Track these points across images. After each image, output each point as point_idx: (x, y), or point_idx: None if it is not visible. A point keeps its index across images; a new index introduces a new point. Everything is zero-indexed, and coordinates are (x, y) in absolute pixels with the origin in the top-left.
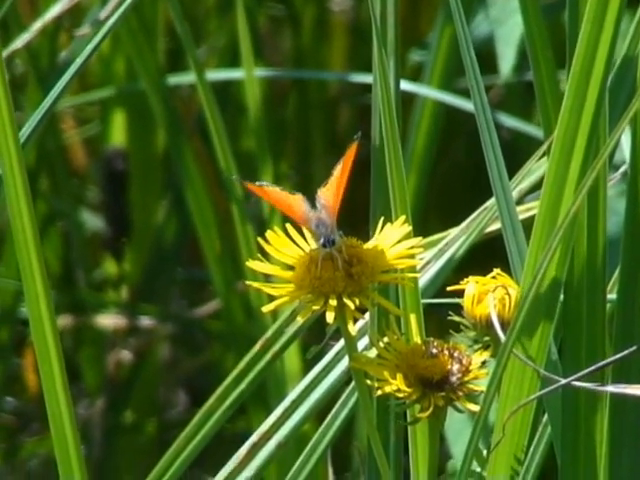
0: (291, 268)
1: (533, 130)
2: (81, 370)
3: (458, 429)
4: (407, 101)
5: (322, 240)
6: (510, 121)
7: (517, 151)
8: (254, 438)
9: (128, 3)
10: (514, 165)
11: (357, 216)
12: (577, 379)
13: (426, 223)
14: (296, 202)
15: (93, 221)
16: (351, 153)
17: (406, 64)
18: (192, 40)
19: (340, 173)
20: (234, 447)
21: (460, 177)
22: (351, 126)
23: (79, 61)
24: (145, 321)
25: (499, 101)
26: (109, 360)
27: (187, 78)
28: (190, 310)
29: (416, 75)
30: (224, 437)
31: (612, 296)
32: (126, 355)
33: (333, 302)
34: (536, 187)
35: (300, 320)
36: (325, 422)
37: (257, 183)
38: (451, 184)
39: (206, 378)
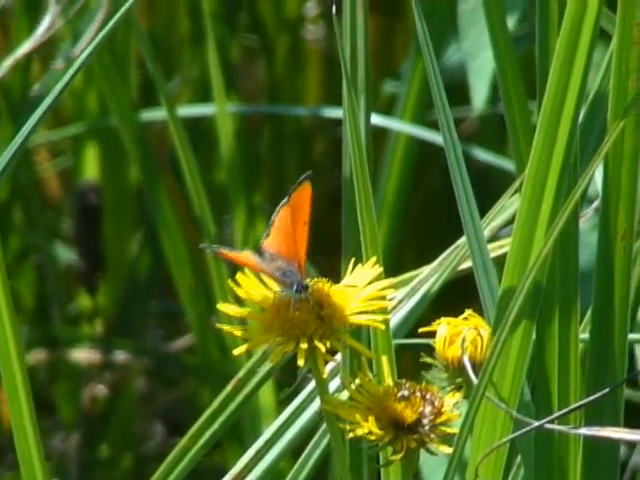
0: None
1: (506, 164)
2: (56, 404)
3: (433, 465)
4: (380, 133)
5: (295, 287)
6: (483, 155)
7: (491, 183)
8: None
9: (101, 38)
10: (489, 198)
11: (330, 245)
12: (550, 421)
13: (401, 255)
14: (247, 257)
15: (67, 255)
16: (305, 197)
17: (379, 95)
18: (163, 76)
19: (299, 221)
20: None
21: (436, 207)
22: (326, 157)
23: (51, 97)
24: (120, 355)
25: (473, 132)
26: (84, 394)
27: (160, 113)
28: (165, 343)
29: (390, 106)
30: (200, 471)
31: (585, 335)
32: (101, 389)
33: (304, 345)
34: (509, 222)
35: (271, 363)
36: (300, 460)
37: (208, 248)
38: (427, 215)
39: (182, 411)
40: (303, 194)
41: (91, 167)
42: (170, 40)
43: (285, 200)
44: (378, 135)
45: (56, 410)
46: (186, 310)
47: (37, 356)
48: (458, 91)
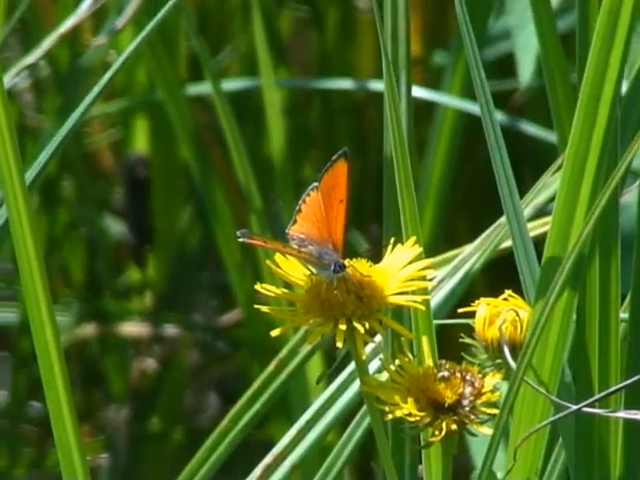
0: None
1: (554, 137)
2: (107, 378)
3: (482, 440)
4: (430, 104)
5: (332, 267)
6: (531, 129)
7: (541, 156)
8: (270, 457)
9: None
10: (540, 171)
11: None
12: (589, 405)
13: (454, 228)
14: (276, 245)
15: (117, 227)
16: (340, 174)
17: (430, 66)
18: (210, 50)
19: (334, 201)
20: (259, 455)
21: (486, 179)
22: (378, 130)
23: (107, 76)
24: (169, 329)
25: (523, 105)
26: (134, 368)
27: (206, 87)
28: (215, 317)
29: (441, 77)
30: (250, 445)
31: (625, 315)
32: (151, 363)
33: (342, 326)
34: (552, 199)
35: (309, 345)
36: (344, 436)
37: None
38: (478, 187)
39: (234, 384)
40: (338, 172)
41: (141, 140)
42: (221, 12)
43: (314, 185)
44: (428, 107)
45: (107, 384)
46: (234, 285)
47: (87, 330)
48: (509, 63)
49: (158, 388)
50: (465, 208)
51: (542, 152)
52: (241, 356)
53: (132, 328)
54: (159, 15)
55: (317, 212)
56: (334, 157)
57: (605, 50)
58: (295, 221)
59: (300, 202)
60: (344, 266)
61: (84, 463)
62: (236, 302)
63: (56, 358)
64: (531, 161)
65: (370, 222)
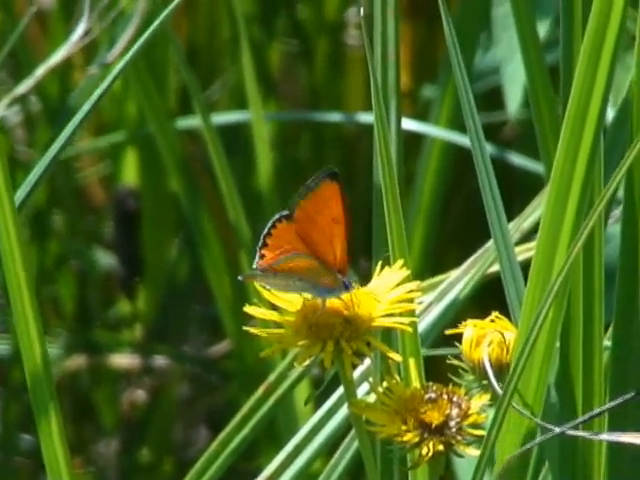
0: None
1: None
2: (97, 410)
3: (468, 461)
4: (419, 136)
5: (344, 282)
6: (520, 161)
7: (530, 190)
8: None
9: (135, 49)
10: (526, 205)
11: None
12: (573, 427)
13: (444, 258)
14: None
15: (107, 260)
16: (328, 197)
17: (419, 100)
18: (200, 83)
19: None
20: None
21: (477, 209)
22: (368, 164)
23: (88, 105)
24: (159, 360)
25: (515, 137)
26: (124, 399)
27: (196, 121)
28: (205, 348)
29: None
30: (238, 472)
31: (607, 342)
32: (141, 395)
33: (330, 347)
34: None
35: (298, 366)
36: (331, 462)
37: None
38: (468, 216)
39: (225, 416)
40: (326, 194)
41: (131, 172)
42: (211, 45)
43: (280, 215)
44: (417, 140)
45: (97, 416)
46: (223, 316)
47: (77, 361)
48: (499, 96)
49: (148, 419)
50: (455, 239)
51: (532, 185)
52: (231, 388)
53: (122, 359)
54: (144, 37)
55: (292, 240)
56: (310, 181)
57: (589, 77)
58: (262, 255)
59: (263, 235)
60: (351, 284)
61: None
62: (225, 333)
63: (48, 390)
64: (521, 194)
65: (359, 255)
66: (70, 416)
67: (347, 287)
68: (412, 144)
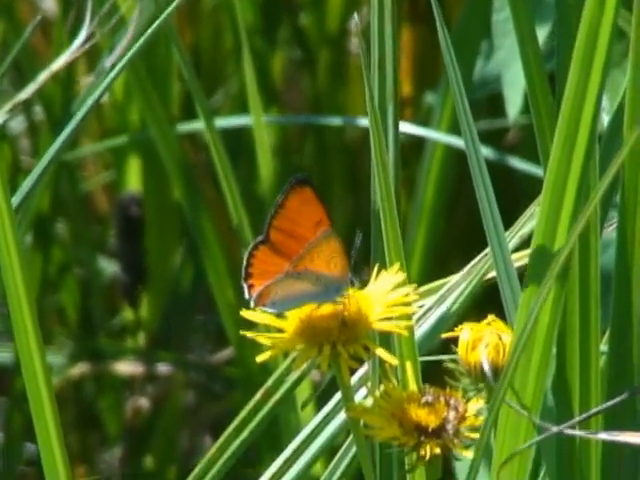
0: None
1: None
2: (101, 418)
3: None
4: (421, 142)
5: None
6: (523, 166)
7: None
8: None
9: (132, 53)
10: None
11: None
12: (570, 426)
13: (448, 263)
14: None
15: (111, 268)
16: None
17: (421, 106)
18: (203, 89)
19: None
20: None
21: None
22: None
23: (83, 111)
24: (163, 368)
25: (517, 143)
26: (128, 407)
27: (198, 125)
28: (209, 355)
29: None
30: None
31: (604, 347)
32: (144, 402)
33: (327, 351)
34: None
35: (295, 370)
36: (330, 466)
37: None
38: (472, 222)
39: (228, 423)
40: (303, 199)
41: (134, 179)
42: (214, 54)
43: (256, 242)
44: (419, 147)
45: (101, 424)
46: (226, 323)
47: (81, 369)
48: (502, 102)
49: (152, 427)
50: (460, 245)
51: (536, 191)
52: (234, 395)
53: (126, 367)
54: (142, 38)
55: (277, 262)
56: (278, 198)
57: (582, 82)
58: (251, 286)
59: (244, 267)
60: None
61: None
62: (229, 341)
63: (47, 399)
64: (525, 200)
65: (363, 264)
66: (74, 424)
67: (352, 281)
68: (414, 151)
